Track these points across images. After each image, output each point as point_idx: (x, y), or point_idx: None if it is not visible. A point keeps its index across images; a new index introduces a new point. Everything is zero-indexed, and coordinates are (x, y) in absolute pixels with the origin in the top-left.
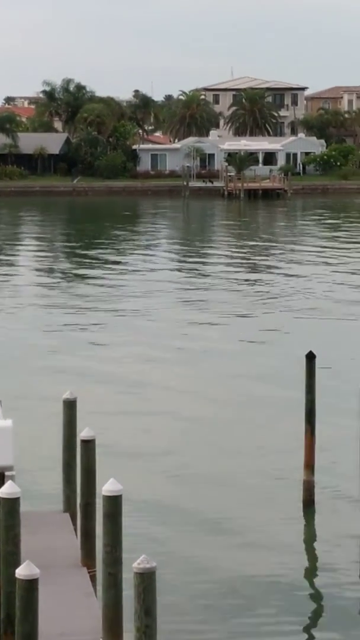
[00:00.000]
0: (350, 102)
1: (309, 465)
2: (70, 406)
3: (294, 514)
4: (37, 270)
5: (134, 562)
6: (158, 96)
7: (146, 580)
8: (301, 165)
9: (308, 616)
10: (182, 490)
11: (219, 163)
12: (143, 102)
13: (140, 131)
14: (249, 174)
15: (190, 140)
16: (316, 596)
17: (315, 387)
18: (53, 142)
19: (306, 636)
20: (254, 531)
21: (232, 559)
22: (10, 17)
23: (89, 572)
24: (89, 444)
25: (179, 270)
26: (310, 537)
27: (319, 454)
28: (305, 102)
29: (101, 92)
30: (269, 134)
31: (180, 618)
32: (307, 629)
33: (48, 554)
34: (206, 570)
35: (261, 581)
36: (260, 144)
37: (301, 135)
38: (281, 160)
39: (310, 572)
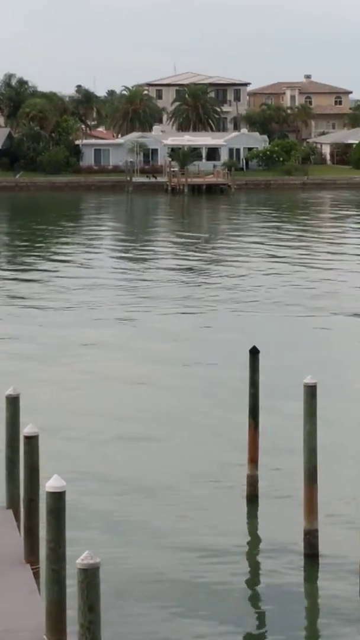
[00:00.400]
0: (292, 97)
1: (253, 460)
2: (13, 402)
3: (238, 508)
4: None
5: (77, 559)
6: (101, 91)
7: (90, 576)
8: (244, 161)
9: (249, 610)
10: (125, 486)
11: (163, 158)
12: (86, 98)
13: (83, 126)
14: (193, 169)
15: (134, 136)
16: (259, 590)
17: (258, 382)
18: None
19: (246, 631)
20: (198, 526)
21: (175, 554)
22: None
23: (32, 569)
24: (32, 440)
25: (121, 266)
26: (253, 531)
27: (263, 448)
28: (247, 97)
29: (43, 87)
30: (212, 130)
31: (123, 614)
32: (247, 623)
33: None
34: (149, 566)
35: (204, 575)
36: (203, 139)
37: (244, 130)
38: (224, 156)
39: (254, 567)
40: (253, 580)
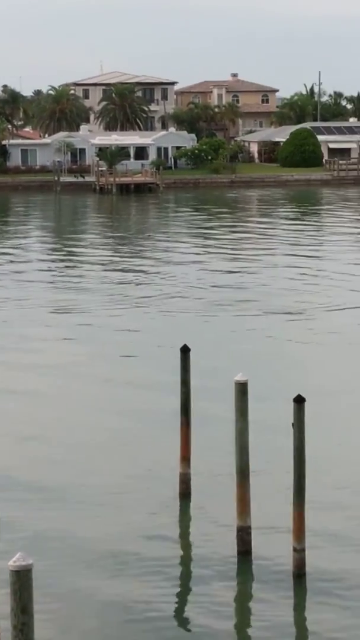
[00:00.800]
0: (219, 96)
1: (185, 458)
2: None
3: (171, 506)
4: None
5: (9, 560)
6: (27, 91)
7: (22, 578)
8: (172, 160)
9: (181, 610)
10: (57, 485)
11: (90, 158)
12: (12, 97)
13: (9, 126)
14: (121, 169)
15: (61, 135)
16: (191, 589)
17: (190, 380)
18: None
19: (177, 632)
20: (130, 524)
21: (108, 553)
22: None
23: None
24: None
25: (48, 266)
26: (186, 529)
27: (195, 446)
28: (175, 96)
29: None
30: (139, 129)
31: (55, 616)
32: (179, 622)
33: None
34: (81, 565)
35: (137, 573)
36: (131, 138)
37: (172, 129)
38: (152, 155)
39: (186, 564)
40: (185, 577)
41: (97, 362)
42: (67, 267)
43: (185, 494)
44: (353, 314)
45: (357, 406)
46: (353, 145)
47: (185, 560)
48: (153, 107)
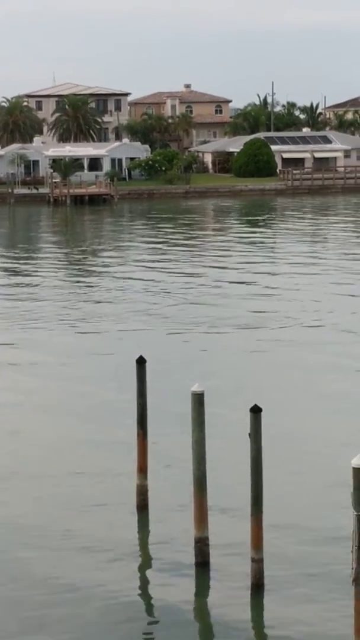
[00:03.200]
0: (173, 107)
1: (142, 470)
2: None
3: (128, 518)
4: None
5: None
6: None
7: None
8: (127, 171)
9: (140, 621)
10: (11, 495)
11: (44, 169)
12: None
13: None
14: (75, 180)
15: (14, 147)
16: (150, 600)
17: (146, 391)
18: None
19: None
20: (87, 536)
21: (65, 564)
22: None
23: None
24: None
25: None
26: (144, 541)
27: (152, 457)
28: (128, 107)
29: None
30: (93, 140)
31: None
32: (138, 635)
33: None
34: (36, 576)
35: (92, 584)
36: (85, 149)
37: (125, 140)
38: (106, 166)
39: (144, 576)
40: (144, 589)
41: (47, 377)
42: (19, 281)
43: (142, 506)
44: (307, 325)
45: (312, 415)
46: (307, 155)
47: (143, 572)
48: (106, 118)
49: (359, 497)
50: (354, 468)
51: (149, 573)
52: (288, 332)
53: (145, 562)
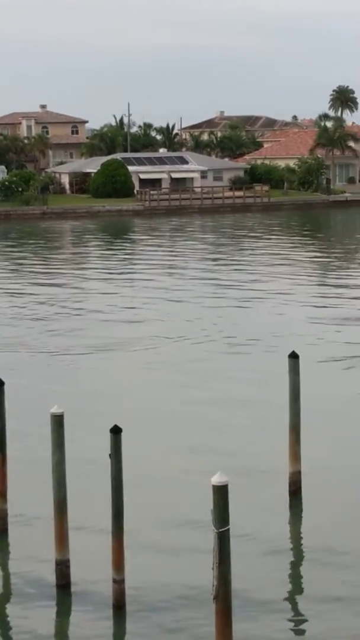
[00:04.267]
0: (29, 127)
1: (2, 493)
2: None
3: None
4: None
5: None
6: None
7: None
8: None
9: None
10: None
11: None
12: None
13: None
14: None
15: None
16: (8, 623)
17: (4, 414)
18: None
19: None
20: None
21: None
22: None
23: None
24: None
25: None
26: (3, 565)
27: (11, 480)
28: None
29: None
30: None
31: None
32: None
33: None
34: None
35: None
36: None
37: None
38: None
39: (4, 600)
40: (2, 613)
41: None
42: None
43: (1, 531)
44: (164, 346)
45: (172, 434)
46: (164, 176)
47: (3, 596)
48: None
49: (218, 514)
50: (213, 486)
51: (8, 597)
52: (147, 353)
53: (5, 587)
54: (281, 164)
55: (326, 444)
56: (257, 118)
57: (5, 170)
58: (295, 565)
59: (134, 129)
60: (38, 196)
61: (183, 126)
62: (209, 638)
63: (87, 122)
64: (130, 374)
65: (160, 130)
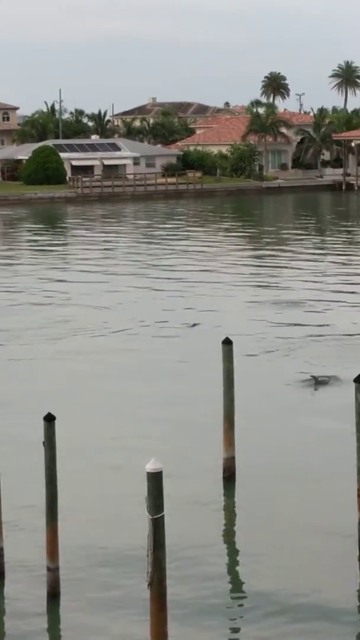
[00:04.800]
0: None
1: None
2: None
3: None
4: None
5: None
6: None
7: None
8: None
9: None
10: None
11: None
12: None
13: None
14: None
15: None
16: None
17: None
18: None
19: None
20: None
21: None
22: None
23: None
24: None
25: None
26: None
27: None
28: None
29: None
30: None
31: None
32: None
33: None
34: None
35: None
36: None
37: None
38: None
39: None
40: None
41: None
42: None
43: None
44: (99, 333)
45: (107, 423)
46: (96, 162)
47: None
48: None
49: (152, 501)
50: (148, 473)
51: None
52: (81, 340)
53: None
54: (214, 150)
55: (260, 430)
56: (189, 104)
57: None
58: (230, 552)
59: (65, 116)
60: None
61: (115, 113)
62: (145, 624)
63: (18, 108)
64: (68, 361)
65: (92, 117)
